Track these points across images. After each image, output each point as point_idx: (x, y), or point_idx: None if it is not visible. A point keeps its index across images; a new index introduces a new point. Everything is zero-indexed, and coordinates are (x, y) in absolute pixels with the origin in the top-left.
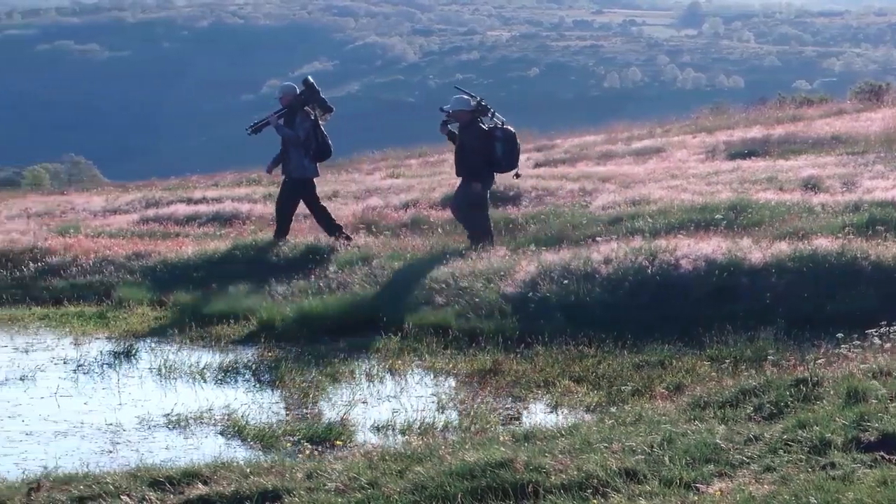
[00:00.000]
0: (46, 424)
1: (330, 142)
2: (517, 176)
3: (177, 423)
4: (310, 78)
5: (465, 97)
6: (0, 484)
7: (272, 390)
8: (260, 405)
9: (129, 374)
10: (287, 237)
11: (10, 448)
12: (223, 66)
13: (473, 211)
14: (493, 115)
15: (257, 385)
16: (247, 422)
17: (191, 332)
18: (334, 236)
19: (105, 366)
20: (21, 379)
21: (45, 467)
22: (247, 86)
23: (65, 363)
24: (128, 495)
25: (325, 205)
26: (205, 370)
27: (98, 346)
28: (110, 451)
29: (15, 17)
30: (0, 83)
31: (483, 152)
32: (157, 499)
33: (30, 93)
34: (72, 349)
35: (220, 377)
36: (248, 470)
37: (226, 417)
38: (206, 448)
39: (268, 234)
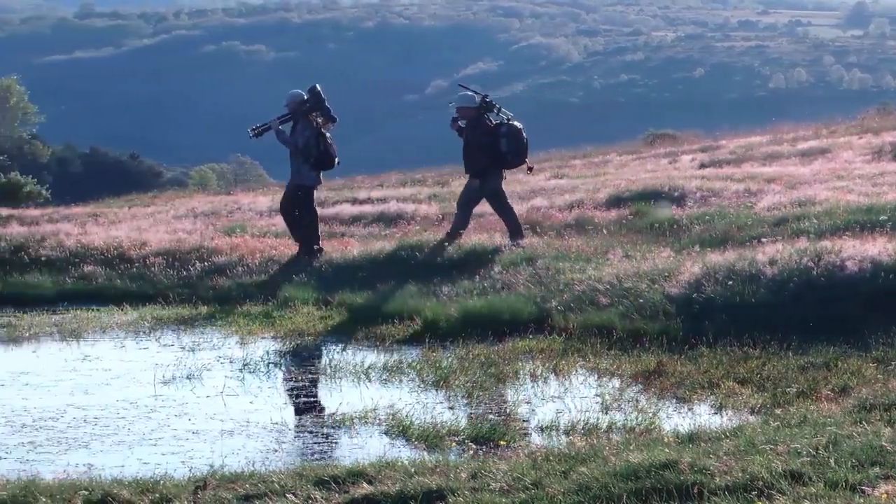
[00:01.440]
0: (213, 423)
1: (334, 152)
2: (530, 170)
3: (342, 423)
4: (317, 86)
5: (470, 94)
6: (167, 482)
7: (436, 390)
8: (424, 405)
9: (294, 373)
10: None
11: (178, 446)
12: (388, 66)
13: (502, 206)
14: (499, 110)
15: (422, 385)
16: (411, 421)
17: (356, 331)
18: (304, 251)
19: (271, 365)
20: (188, 378)
21: (212, 466)
22: (411, 86)
23: (231, 362)
24: (293, 494)
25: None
26: (369, 370)
27: (264, 346)
28: (276, 450)
29: (182, 17)
30: (168, 84)
31: (488, 148)
32: (322, 498)
33: (197, 93)
34: (238, 348)
35: (384, 377)
36: (412, 469)
37: (390, 417)
38: (371, 447)
39: (432, 235)
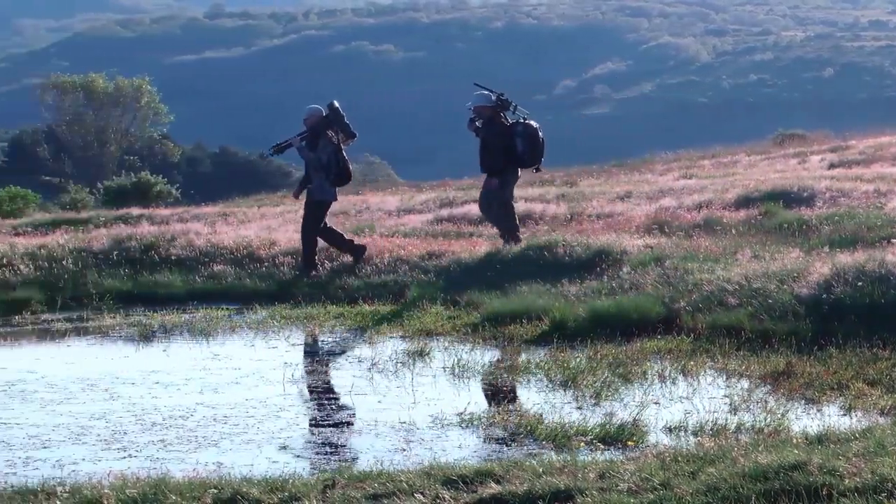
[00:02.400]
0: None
1: (350, 167)
2: (537, 170)
3: (469, 422)
4: (335, 102)
5: (486, 93)
6: (296, 481)
7: (564, 390)
8: (552, 405)
9: (422, 372)
10: (315, 268)
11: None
12: (516, 66)
13: (498, 209)
14: (515, 109)
15: (549, 385)
16: (539, 421)
17: (484, 331)
18: (307, 269)
19: (399, 364)
20: (317, 377)
21: (340, 465)
22: (539, 86)
23: (359, 362)
24: (421, 493)
25: (338, 236)
26: (497, 369)
27: (392, 345)
28: (404, 450)
29: (312, 17)
30: (296, 84)
31: (504, 148)
32: (450, 497)
33: (326, 93)
34: (366, 348)
35: (512, 377)
36: (540, 469)
37: (518, 417)
38: (499, 447)
39: (560, 235)
